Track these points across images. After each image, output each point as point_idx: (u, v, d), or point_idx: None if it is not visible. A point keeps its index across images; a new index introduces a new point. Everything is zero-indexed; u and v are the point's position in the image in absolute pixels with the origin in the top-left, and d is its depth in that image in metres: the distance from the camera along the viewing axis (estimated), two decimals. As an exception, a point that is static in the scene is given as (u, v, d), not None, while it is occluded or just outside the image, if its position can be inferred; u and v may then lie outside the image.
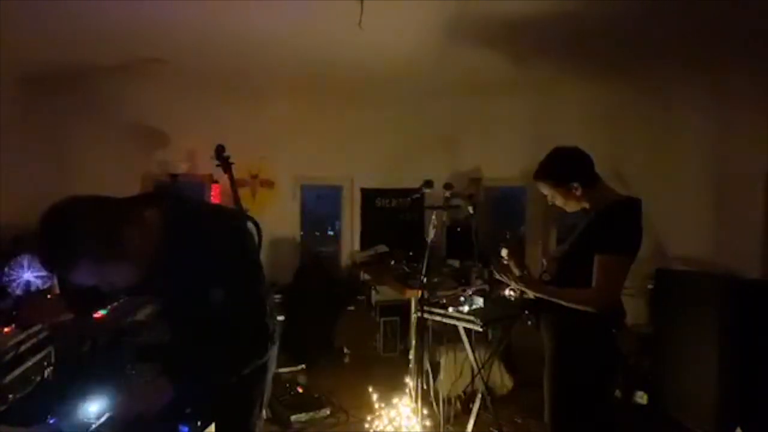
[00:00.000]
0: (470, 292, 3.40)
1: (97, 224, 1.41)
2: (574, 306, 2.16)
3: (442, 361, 3.94)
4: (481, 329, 3.06)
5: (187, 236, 1.58)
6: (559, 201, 2.32)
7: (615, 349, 2.24)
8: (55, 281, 3.40)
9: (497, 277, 2.51)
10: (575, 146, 2.31)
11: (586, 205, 2.26)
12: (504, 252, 2.49)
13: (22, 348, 2.44)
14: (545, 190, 2.34)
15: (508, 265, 2.47)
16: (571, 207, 2.31)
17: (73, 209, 1.42)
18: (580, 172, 2.25)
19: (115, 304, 2.38)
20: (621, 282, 2.15)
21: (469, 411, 3.41)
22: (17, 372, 2.34)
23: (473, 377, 3.51)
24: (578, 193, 2.23)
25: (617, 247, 2.10)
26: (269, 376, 1.90)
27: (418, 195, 5.19)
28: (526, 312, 2.44)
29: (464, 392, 3.84)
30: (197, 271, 1.56)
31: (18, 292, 3.22)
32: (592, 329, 2.17)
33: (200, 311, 1.64)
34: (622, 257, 2.12)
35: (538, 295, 2.33)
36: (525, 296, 2.47)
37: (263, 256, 1.83)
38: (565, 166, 2.28)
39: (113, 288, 1.64)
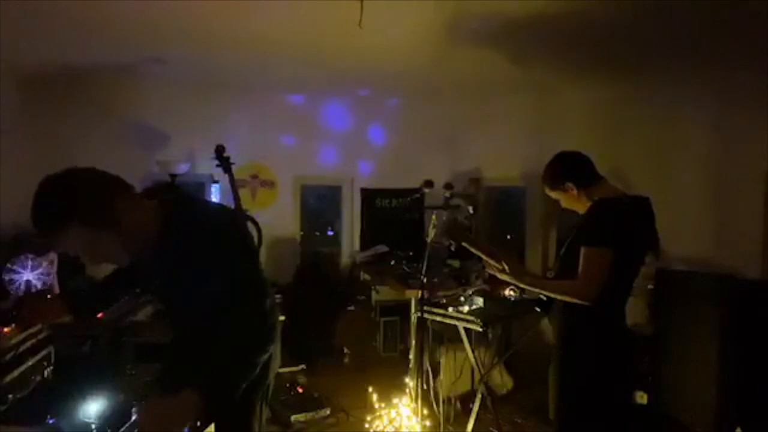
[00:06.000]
0: (470, 292, 3.40)
1: (91, 190, 1.47)
2: (559, 297, 2.21)
3: (442, 361, 3.94)
4: (481, 329, 3.06)
5: (184, 234, 1.59)
6: (564, 203, 2.37)
7: (619, 348, 2.24)
8: (55, 281, 3.40)
9: (488, 271, 2.51)
10: (575, 150, 2.36)
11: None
12: (444, 239, 2.52)
13: (22, 348, 2.45)
14: (549, 194, 2.41)
15: (490, 253, 2.44)
16: (579, 208, 2.33)
17: (70, 175, 1.48)
18: (571, 172, 2.29)
19: (115, 304, 2.38)
20: (601, 274, 2.09)
21: (469, 411, 3.41)
22: (17, 372, 2.35)
23: (473, 378, 3.50)
24: (574, 192, 2.28)
25: (594, 239, 2.12)
26: (271, 376, 1.89)
27: (418, 195, 5.17)
28: (537, 309, 2.47)
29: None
30: (191, 269, 1.57)
31: (18, 292, 3.22)
32: (595, 329, 2.18)
33: (195, 312, 1.64)
34: (600, 249, 2.10)
35: (522, 285, 2.40)
36: (524, 295, 2.48)
37: (263, 255, 1.83)
38: (557, 168, 2.35)
39: (103, 262, 1.66)
